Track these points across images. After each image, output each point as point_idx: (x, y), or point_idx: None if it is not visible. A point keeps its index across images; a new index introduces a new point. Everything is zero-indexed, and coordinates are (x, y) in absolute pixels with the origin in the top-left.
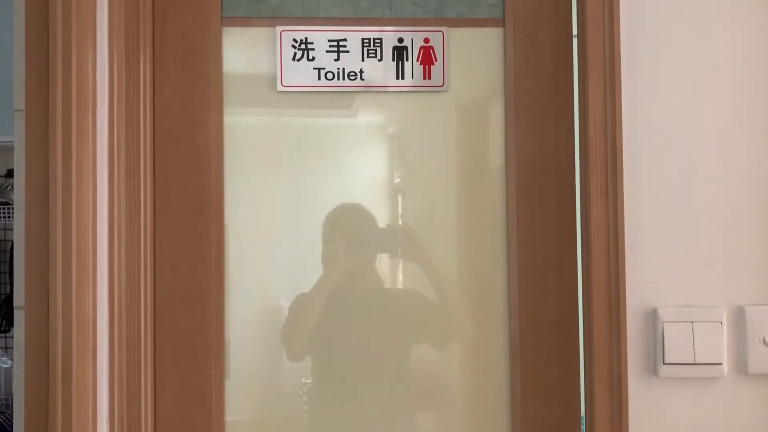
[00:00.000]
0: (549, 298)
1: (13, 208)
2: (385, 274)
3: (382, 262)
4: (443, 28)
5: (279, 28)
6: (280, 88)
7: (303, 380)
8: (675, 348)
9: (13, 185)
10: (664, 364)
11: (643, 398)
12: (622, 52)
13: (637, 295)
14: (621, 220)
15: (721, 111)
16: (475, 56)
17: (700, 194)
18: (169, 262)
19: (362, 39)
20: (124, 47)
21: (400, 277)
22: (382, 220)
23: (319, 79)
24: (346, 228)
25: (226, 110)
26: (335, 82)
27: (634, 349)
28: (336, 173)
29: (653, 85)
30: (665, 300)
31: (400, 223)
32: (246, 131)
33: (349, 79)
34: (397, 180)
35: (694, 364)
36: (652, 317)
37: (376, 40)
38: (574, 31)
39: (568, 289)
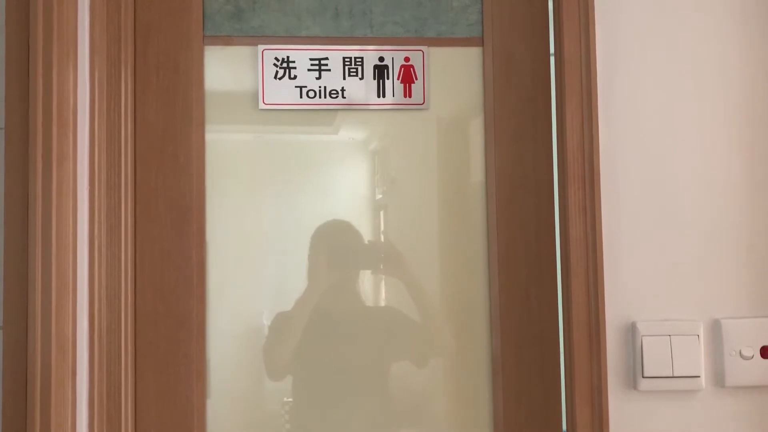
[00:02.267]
0: (530, 313)
1: None
2: (367, 291)
3: (364, 279)
4: (423, 47)
5: (261, 47)
6: (262, 106)
7: (285, 399)
8: (654, 361)
9: None
10: (643, 377)
11: (623, 412)
12: (598, 69)
13: (615, 310)
14: (599, 235)
15: (698, 126)
16: (455, 75)
17: (677, 209)
18: (151, 281)
19: (344, 58)
20: (106, 65)
21: (382, 294)
22: (364, 236)
23: (301, 97)
24: (328, 245)
25: (208, 128)
26: (317, 100)
27: (614, 363)
28: (318, 190)
29: (630, 102)
30: (643, 314)
31: (382, 239)
32: (228, 149)
33: (330, 97)
34: (379, 196)
35: (673, 377)
36: (630, 331)
37: (358, 59)
38: (552, 50)
39: (549, 304)
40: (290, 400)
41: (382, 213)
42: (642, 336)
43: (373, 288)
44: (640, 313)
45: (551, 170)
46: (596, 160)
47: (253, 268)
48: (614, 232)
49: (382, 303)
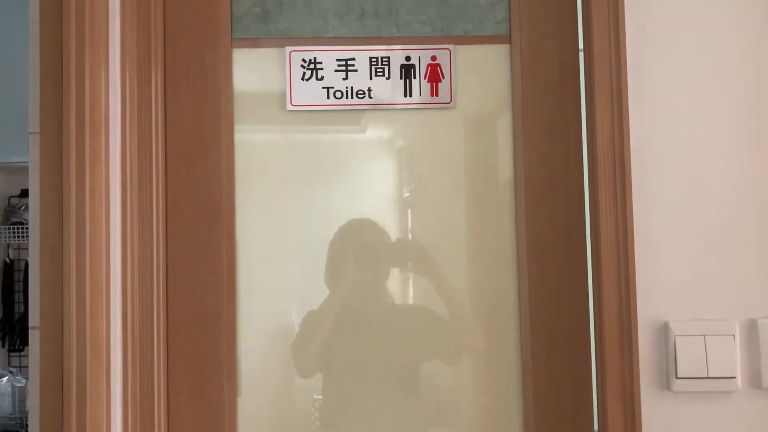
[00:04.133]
0: (560, 313)
1: (27, 228)
2: (396, 290)
3: (392, 278)
4: (450, 46)
5: (288, 48)
6: (289, 107)
7: (315, 396)
8: (688, 362)
9: (26, 205)
10: (676, 378)
11: (656, 412)
12: (628, 65)
13: (648, 309)
14: (631, 234)
15: (730, 123)
16: (483, 72)
17: (710, 207)
18: (182, 281)
19: (370, 58)
20: (136, 69)
21: (411, 292)
22: (391, 235)
23: (328, 98)
24: (357, 243)
25: (237, 129)
26: (344, 100)
27: (646, 363)
28: (346, 189)
29: (660, 98)
30: (676, 313)
31: (409, 237)
32: (257, 150)
33: (357, 97)
34: (406, 195)
35: (707, 377)
36: (663, 331)
37: (384, 59)
38: (581, 46)
39: (579, 303)
40: (320, 397)
41: (409, 211)
42: (675, 336)
43: (401, 286)
44: (673, 312)
45: (581, 167)
46: (627, 156)
47: (282, 267)
48: (646, 230)
49: (411, 301)
